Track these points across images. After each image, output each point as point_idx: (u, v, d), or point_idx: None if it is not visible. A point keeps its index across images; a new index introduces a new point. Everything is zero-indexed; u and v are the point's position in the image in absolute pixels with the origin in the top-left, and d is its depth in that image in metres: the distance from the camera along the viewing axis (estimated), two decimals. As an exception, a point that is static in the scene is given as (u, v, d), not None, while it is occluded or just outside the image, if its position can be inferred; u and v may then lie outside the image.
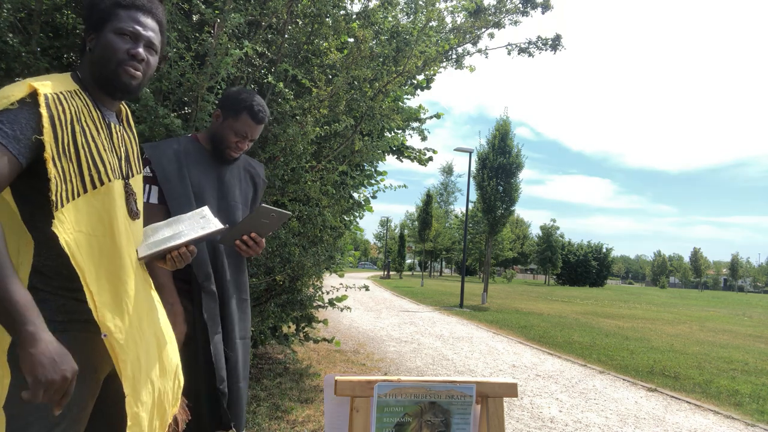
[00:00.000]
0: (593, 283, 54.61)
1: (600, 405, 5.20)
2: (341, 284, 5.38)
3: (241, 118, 2.08)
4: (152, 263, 1.58)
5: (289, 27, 3.78)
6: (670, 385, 6.28)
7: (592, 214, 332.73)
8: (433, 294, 22.35)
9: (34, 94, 1.19)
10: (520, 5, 4.98)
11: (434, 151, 5.98)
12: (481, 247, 35.60)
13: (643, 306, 22.59)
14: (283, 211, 1.87)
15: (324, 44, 3.98)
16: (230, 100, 2.10)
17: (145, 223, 1.62)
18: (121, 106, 1.49)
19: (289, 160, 3.60)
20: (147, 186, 1.96)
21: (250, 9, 3.49)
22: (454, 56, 5.01)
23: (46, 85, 1.22)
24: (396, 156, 5.99)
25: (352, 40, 4.14)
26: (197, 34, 3.16)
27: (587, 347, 8.85)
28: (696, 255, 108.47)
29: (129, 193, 1.40)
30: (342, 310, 5.07)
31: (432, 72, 4.89)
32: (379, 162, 5.55)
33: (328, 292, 5.09)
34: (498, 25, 4.90)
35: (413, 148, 5.94)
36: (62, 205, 1.20)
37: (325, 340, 5.47)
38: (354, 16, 4.16)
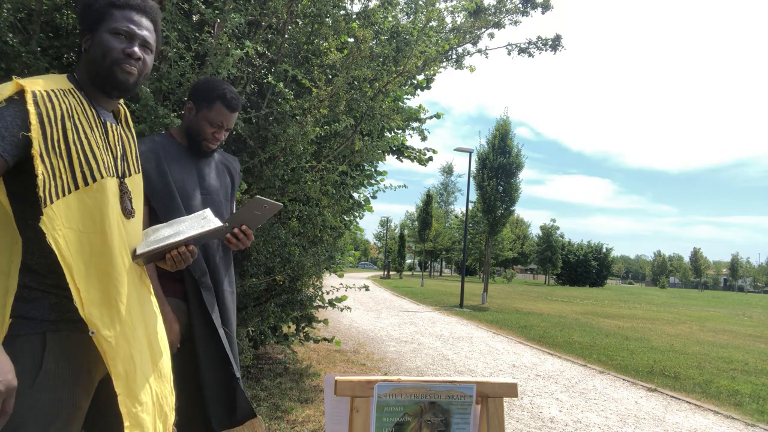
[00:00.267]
0: (593, 283, 54.61)
1: (600, 405, 5.20)
2: (341, 284, 5.38)
3: (215, 108, 2.04)
4: (153, 266, 1.57)
5: (289, 27, 3.78)
6: (670, 385, 6.28)
7: (592, 214, 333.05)
8: (433, 294, 22.36)
9: (21, 92, 1.20)
10: (520, 5, 4.98)
11: (434, 151, 5.98)
12: (481, 247, 35.62)
13: (643, 306, 22.59)
14: (275, 202, 1.86)
15: (324, 44, 3.98)
16: (202, 91, 2.06)
17: None
18: (120, 106, 1.49)
19: (289, 160, 3.60)
20: None
21: (250, 9, 3.49)
22: (454, 56, 5.01)
23: (35, 83, 1.23)
24: (396, 156, 5.99)
25: (352, 40, 4.14)
26: (197, 34, 3.16)
27: (587, 347, 8.85)
28: (696, 255, 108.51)
29: (124, 192, 1.39)
30: (342, 310, 5.07)
31: (432, 72, 4.90)
32: (379, 162, 5.55)
33: (328, 292, 5.09)
34: (498, 25, 4.90)
35: (413, 148, 5.95)
36: (51, 202, 1.19)
37: (325, 340, 5.47)
38: (354, 16, 4.16)
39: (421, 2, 4.68)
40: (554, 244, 50.16)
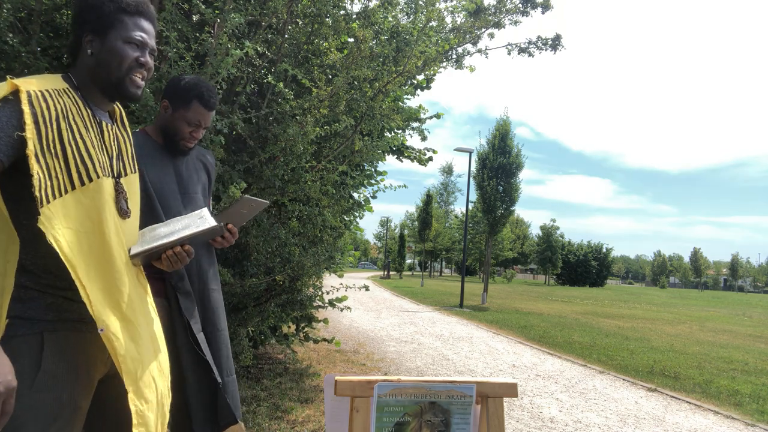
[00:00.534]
0: (593, 283, 54.60)
1: (600, 405, 5.20)
2: (341, 284, 5.37)
3: (192, 108, 1.99)
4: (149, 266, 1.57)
5: (289, 27, 3.78)
6: (670, 385, 6.28)
7: (592, 214, 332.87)
8: (433, 294, 22.36)
9: (16, 92, 1.19)
10: (520, 5, 4.97)
11: (434, 151, 5.98)
12: (481, 247, 35.61)
13: (643, 306, 22.59)
14: (262, 200, 1.85)
15: (324, 44, 3.98)
16: (177, 90, 2.00)
17: None
18: (115, 106, 1.48)
19: (289, 160, 3.60)
20: None
21: (250, 9, 3.49)
22: (454, 56, 5.01)
23: (29, 83, 1.22)
24: (396, 156, 5.99)
25: (352, 40, 4.14)
26: (197, 34, 3.16)
27: (587, 347, 8.85)
28: (696, 255, 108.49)
29: (119, 192, 1.39)
30: (342, 310, 5.07)
31: (432, 72, 4.90)
32: (379, 162, 5.55)
33: (328, 292, 5.09)
34: (498, 25, 4.90)
35: (413, 148, 5.95)
36: (48, 202, 1.19)
37: (325, 340, 5.47)
38: (354, 16, 4.17)
39: (421, 2, 4.68)
40: (554, 244, 50.15)
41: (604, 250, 57.49)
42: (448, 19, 4.92)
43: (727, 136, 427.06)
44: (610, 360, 7.76)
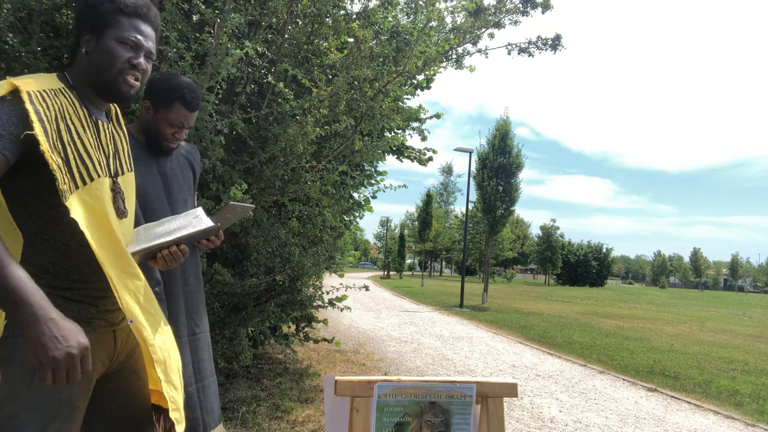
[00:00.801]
0: (593, 283, 54.60)
1: (600, 405, 5.20)
2: (341, 284, 5.38)
3: (174, 109, 1.95)
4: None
5: (289, 27, 3.78)
6: (670, 385, 6.28)
7: (592, 214, 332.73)
8: (433, 294, 22.35)
9: (16, 92, 1.19)
10: (520, 5, 4.98)
11: (434, 151, 5.98)
12: (481, 247, 35.61)
13: (643, 306, 22.59)
14: (248, 204, 1.85)
15: (324, 44, 3.98)
16: (159, 90, 1.96)
17: None
18: (111, 105, 1.48)
19: (289, 160, 3.60)
20: None
21: (250, 9, 3.49)
22: (454, 56, 5.01)
23: (28, 83, 1.22)
24: (396, 156, 5.99)
25: (352, 40, 4.14)
26: (197, 34, 3.17)
27: (587, 347, 8.85)
28: (696, 255, 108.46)
29: (116, 192, 1.39)
30: (342, 310, 5.07)
31: (432, 72, 4.90)
32: (379, 162, 5.55)
33: (328, 292, 5.09)
34: (498, 25, 4.90)
35: (413, 148, 5.95)
36: (66, 198, 1.21)
37: (325, 340, 5.46)
38: (354, 16, 4.17)
39: (421, 2, 4.68)
40: (554, 244, 50.15)
41: (604, 250, 57.49)
42: (448, 19, 4.93)
43: (727, 136, 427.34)
44: (610, 360, 7.76)
